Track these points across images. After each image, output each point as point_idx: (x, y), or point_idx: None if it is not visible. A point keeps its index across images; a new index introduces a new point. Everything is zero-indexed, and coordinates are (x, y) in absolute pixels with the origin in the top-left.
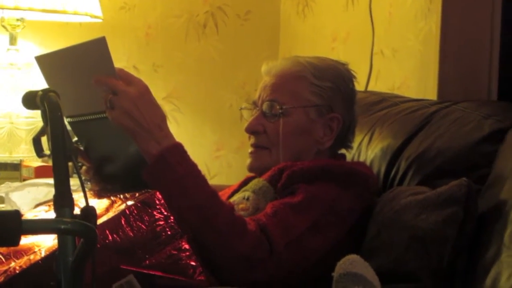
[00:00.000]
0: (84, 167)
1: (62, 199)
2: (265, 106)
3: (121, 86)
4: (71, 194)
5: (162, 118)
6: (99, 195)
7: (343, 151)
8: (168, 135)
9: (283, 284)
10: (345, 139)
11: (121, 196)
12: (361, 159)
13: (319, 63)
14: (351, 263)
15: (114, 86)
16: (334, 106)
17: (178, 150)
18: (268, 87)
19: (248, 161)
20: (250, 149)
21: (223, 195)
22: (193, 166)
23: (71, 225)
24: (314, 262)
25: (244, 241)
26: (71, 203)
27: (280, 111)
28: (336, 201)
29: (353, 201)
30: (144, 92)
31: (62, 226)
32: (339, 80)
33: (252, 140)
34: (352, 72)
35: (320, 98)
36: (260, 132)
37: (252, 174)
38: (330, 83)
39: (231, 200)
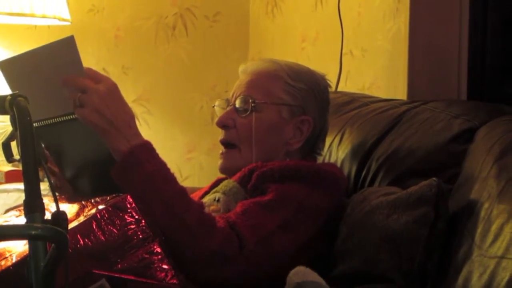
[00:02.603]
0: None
1: (33, 204)
2: (238, 102)
3: (90, 84)
4: (41, 199)
5: (131, 116)
6: (69, 200)
7: None
8: (137, 133)
9: (254, 283)
10: (314, 146)
11: (92, 201)
12: (332, 159)
13: (296, 66)
14: (304, 274)
15: (83, 84)
16: (307, 108)
17: (147, 148)
18: (243, 84)
19: (219, 162)
20: (221, 149)
21: (194, 197)
22: (162, 164)
23: (42, 231)
24: (284, 261)
25: (213, 238)
26: (41, 208)
27: (252, 105)
28: (305, 200)
29: (323, 200)
30: (114, 90)
31: (33, 232)
32: (314, 84)
33: (222, 135)
34: (329, 81)
35: (293, 98)
36: (230, 126)
37: (223, 176)
38: (305, 86)
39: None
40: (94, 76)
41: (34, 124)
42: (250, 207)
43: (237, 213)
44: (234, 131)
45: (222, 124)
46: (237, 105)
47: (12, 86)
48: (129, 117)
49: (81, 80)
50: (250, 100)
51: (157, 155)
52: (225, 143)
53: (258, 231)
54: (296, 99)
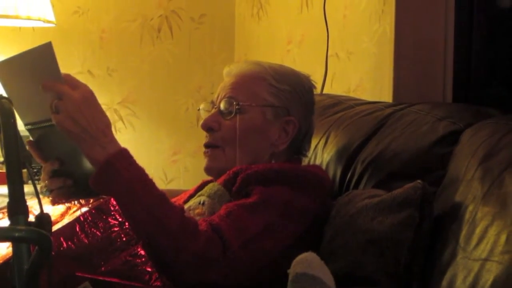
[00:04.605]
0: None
1: (16, 206)
2: (222, 104)
3: (66, 90)
4: (25, 201)
5: (107, 124)
6: (54, 201)
7: None
8: (113, 140)
9: (239, 286)
10: (300, 147)
11: (76, 202)
12: (317, 162)
13: (280, 68)
14: (309, 265)
15: (59, 90)
16: (292, 110)
17: (124, 155)
18: (227, 86)
19: (204, 162)
20: (204, 149)
21: (179, 200)
22: (140, 170)
23: (25, 233)
24: (268, 263)
25: (196, 241)
26: (25, 210)
27: (237, 107)
28: (290, 202)
29: (308, 202)
30: (89, 97)
31: (16, 234)
32: (299, 86)
33: (206, 139)
34: (313, 82)
35: (278, 100)
36: (215, 129)
37: (208, 178)
38: (289, 87)
39: (187, 205)
40: (71, 82)
41: (26, 127)
42: (234, 210)
43: (220, 215)
44: (219, 133)
45: (207, 127)
46: (221, 108)
47: (6, 89)
48: (104, 125)
49: (57, 86)
50: (234, 102)
51: (134, 161)
52: (209, 146)
53: (242, 233)
54: (280, 100)
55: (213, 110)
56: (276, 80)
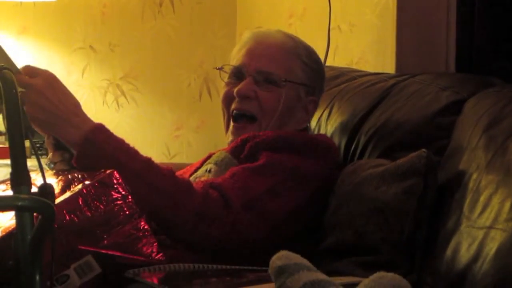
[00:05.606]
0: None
1: (19, 177)
2: (260, 75)
3: (26, 80)
4: (28, 172)
5: (75, 104)
6: (57, 174)
7: None
8: (86, 119)
9: (242, 245)
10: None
11: (79, 176)
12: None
13: (306, 44)
14: (287, 257)
15: (19, 81)
16: (316, 90)
17: (100, 129)
18: (260, 56)
19: (230, 138)
20: (231, 124)
21: (185, 173)
22: (120, 141)
23: (29, 202)
24: (271, 225)
25: (192, 197)
26: (28, 181)
27: (283, 82)
28: (297, 168)
29: (314, 168)
30: (51, 82)
31: (19, 203)
32: (322, 66)
33: (237, 105)
34: None
35: (307, 78)
36: (251, 97)
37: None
38: (316, 66)
39: (194, 175)
40: (31, 71)
41: None
42: (238, 172)
43: (225, 177)
44: (256, 103)
45: (242, 94)
46: (257, 78)
47: None
48: (73, 106)
49: (18, 78)
50: (274, 77)
51: (112, 134)
52: (243, 114)
53: (245, 193)
54: (309, 79)
55: (248, 79)
56: (307, 57)
